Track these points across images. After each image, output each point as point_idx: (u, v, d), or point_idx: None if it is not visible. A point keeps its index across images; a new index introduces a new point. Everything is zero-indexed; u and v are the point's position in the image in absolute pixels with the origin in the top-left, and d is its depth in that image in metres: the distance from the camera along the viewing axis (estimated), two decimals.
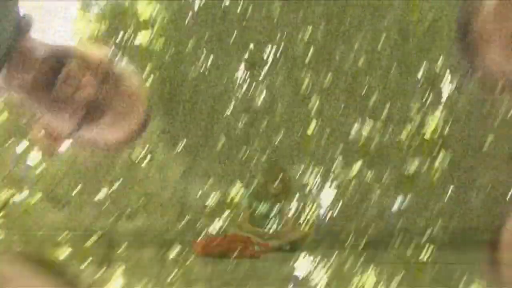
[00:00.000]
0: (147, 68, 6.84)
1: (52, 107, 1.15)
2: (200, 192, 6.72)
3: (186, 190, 6.78)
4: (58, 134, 1.21)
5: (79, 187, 6.47)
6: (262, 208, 5.79)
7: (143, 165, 6.77)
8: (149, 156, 6.80)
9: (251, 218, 5.80)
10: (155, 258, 6.15)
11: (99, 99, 1.15)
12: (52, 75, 1.12)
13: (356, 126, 7.00)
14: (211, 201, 6.68)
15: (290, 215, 6.00)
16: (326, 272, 6.57)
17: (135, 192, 6.70)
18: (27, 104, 1.18)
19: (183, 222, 6.65)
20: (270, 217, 5.83)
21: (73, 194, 6.56)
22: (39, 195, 6.48)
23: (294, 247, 5.77)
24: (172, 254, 6.30)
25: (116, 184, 6.62)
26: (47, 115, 1.17)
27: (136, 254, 6.30)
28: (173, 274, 6.31)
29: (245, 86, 7.17)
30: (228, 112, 7.12)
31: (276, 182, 5.94)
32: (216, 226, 6.57)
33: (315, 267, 6.65)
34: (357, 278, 6.51)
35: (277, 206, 5.87)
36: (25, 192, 6.57)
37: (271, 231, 5.72)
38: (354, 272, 6.55)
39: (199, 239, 5.66)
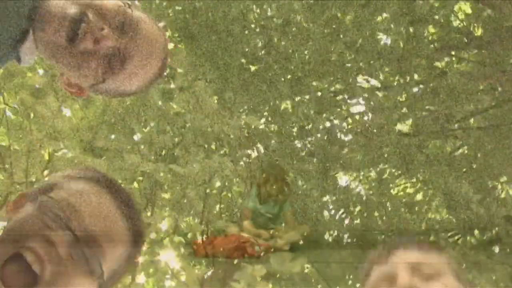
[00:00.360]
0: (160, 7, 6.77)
1: (75, 61, 1.18)
2: (232, 123, 6.76)
3: (219, 123, 6.83)
4: (82, 87, 1.25)
5: (114, 135, 6.59)
6: (263, 208, 5.69)
7: (173, 103, 6.82)
8: (177, 93, 6.84)
9: (252, 218, 5.71)
10: (198, 195, 6.31)
11: (119, 49, 1.18)
12: (72, 30, 1.15)
13: (379, 34, 6.84)
14: (245, 131, 6.73)
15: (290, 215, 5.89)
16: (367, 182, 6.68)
17: (169, 132, 6.78)
18: (53, 61, 1.22)
19: (221, 152, 6.77)
20: (271, 217, 5.73)
21: (110, 142, 6.67)
22: (78, 147, 6.63)
23: (294, 247, 5.69)
24: (214, 189, 6.47)
25: (149, 127, 6.72)
26: (71, 69, 1.21)
27: (180, 193, 6.49)
28: (217, 207, 6.53)
29: (259, 7, 7.03)
30: (247, 34, 7.04)
31: (277, 182, 5.76)
32: (252, 154, 6.70)
33: (355, 178, 6.78)
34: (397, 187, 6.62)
35: (277, 206, 5.74)
36: (65, 145, 6.71)
37: (271, 231, 5.61)
38: (393, 180, 6.65)
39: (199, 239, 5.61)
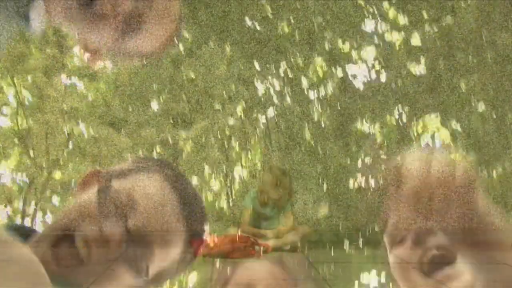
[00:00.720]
0: None
1: (92, 24, 1.15)
2: (245, 83, 6.74)
3: (231, 84, 6.80)
4: (99, 50, 1.23)
5: (130, 108, 6.59)
6: (264, 210, 5.62)
7: (185, 68, 6.80)
8: (186, 59, 6.81)
9: (252, 219, 5.65)
10: (219, 156, 6.35)
11: (136, 10, 1.15)
12: None
13: None
14: (260, 89, 6.71)
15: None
16: None
17: (184, 98, 6.79)
18: (67, 25, 1.18)
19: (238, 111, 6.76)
20: (271, 218, 5.65)
21: (127, 114, 6.66)
22: (96, 121, 6.63)
23: (294, 247, 5.62)
24: (235, 147, 6.51)
25: (164, 95, 6.72)
26: (88, 32, 1.17)
27: (200, 154, 6.53)
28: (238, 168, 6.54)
29: None
30: None
31: (278, 186, 5.66)
32: (269, 113, 6.70)
33: (373, 125, 6.74)
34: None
35: (278, 208, 5.65)
36: (84, 122, 6.72)
37: (271, 231, 5.54)
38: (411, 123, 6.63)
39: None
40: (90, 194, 1.04)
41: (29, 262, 0.72)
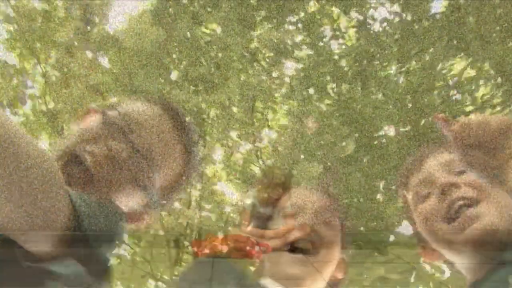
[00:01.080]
0: None
1: None
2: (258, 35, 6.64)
3: (249, 40, 6.71)
4: None
5: (148, 69, 6.57)
6: (264, 210, 5.53)
7: (201, 30, 6.76)
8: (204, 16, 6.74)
9: (252, 219, 5.58)
10: (244, 117, 6.36)
11: None
12: None
13: None
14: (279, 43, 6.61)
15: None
16: None
17: (203, 61, 6.76)
18: None
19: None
20: (271, 218, 5.56)
21: (147, 81, 6.67)
22: (120, 95, 6.69)
23: (294, 247, 5.56)
24: (259, 107, 6.50)
25: (184, 62, 6.71)
26: None
27: (225, 117, 6.54)
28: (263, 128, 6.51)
29: None
30: None
31: (278, 186, 5.52)
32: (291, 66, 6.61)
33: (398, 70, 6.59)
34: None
35: (278, 208, 5.54)
36: (108, 97, 6.77)
37: (271, 231, 5.46)
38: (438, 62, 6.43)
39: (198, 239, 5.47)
40: (95, 118, 1.10)
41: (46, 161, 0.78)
